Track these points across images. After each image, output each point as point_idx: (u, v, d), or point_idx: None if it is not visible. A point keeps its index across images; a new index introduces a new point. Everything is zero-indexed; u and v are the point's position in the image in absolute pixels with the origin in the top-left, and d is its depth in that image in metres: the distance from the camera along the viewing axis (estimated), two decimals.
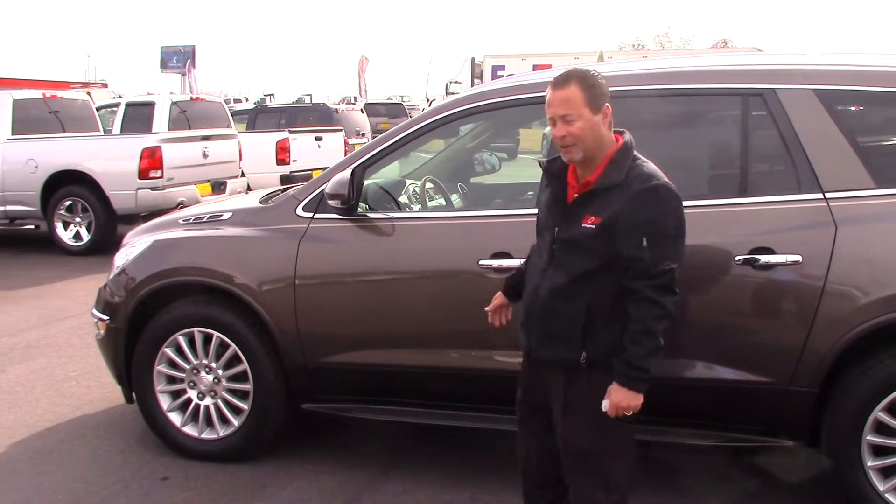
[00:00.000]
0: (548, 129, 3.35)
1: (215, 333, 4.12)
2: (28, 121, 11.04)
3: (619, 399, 2.66)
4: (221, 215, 4.28)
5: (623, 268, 2.66)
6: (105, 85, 35.93)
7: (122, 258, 4.39)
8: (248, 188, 12.38)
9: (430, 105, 38.27)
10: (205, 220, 4.32)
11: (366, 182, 4.04)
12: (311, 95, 39.53)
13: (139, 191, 10.14)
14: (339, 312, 3.92)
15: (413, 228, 3.94)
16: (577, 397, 2.78)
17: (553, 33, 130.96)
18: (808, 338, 3.30)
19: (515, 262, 3.45)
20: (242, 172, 12.24)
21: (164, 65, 43.98)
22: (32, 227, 11.35)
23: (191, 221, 4.38)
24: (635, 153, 2.76)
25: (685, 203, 3.38)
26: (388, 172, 4.79)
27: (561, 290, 2.74)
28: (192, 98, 13.60)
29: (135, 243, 4.42)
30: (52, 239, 10.54)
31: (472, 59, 40.91)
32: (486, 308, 3.19)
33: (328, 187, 3.80)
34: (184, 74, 36.98)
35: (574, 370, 2.75)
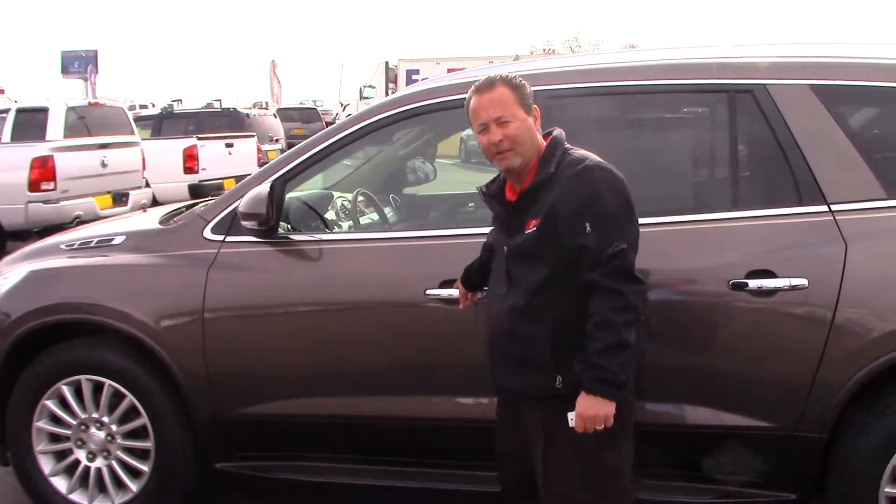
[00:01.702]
0: (466, 132, 2.92)
1: (107, 381, 3.43)
2: None
3: (584, 408, 2.37)
4: (112, 239, 3.57)
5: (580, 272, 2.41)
6: (1, 91, 34.11)
7: None
8: (154, 199, 11.51)
9: (343, 110, 37.68)
10: (92, 244, 3.61)
11: (287, 197, 3.42)
12: (220, 101, 38.27)
13: (30, 204, 9.20)
14: (258, 355, 3.28)
15: (346, 252, 3.31)
16: (556, 431, 2.45)
17: (464, 38, 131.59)
18: (816, 375, 2.82)
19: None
20: (147, 182, 11.35)
21: (65, 70, 42.50)
22: None
23: (75, 247, 3.66)
24: (567, 145, 2.57)
25: (663, 220, 2.92)
26: (311, 185, 4.19)
27: (521, 309, 2.49)
28: (90, 103, 12.54)
29: (7, 274, 3.67)
30: None
31: (386, 63, 40.28)
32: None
33: (242, 205, 3.16)
34: (86, 80, 35.64)
35: (549, 399, 2.47)
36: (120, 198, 10.33)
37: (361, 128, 3.34)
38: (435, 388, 3.14)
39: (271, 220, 3.16)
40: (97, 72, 38.30)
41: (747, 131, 3.02)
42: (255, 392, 3.30)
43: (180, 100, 51.13)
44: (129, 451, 3.49)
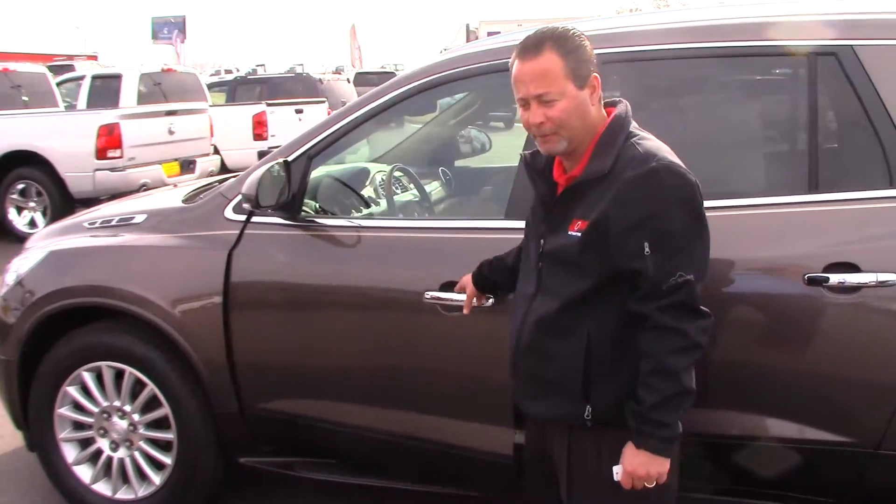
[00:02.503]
0: None
1: (128, 369, 3.24)
2: None
3: (634, 466, 1.98)
4: (133, 218, 3.36)
5: (628, 287, 2.00)
6: (95, 57, 34.88)
7: (13, 272, 3.49)
8: (224, 166, 11.47)
9: None
10: (113, 223, 3.40)
11: (317, 173, 3.15)
12: (302, 65, 38.37)
13: (97, 172, 9.20)
14: (281, 348, 3.03)
15: (371, 240, 3.00)
16: (584, 467, 2.07)
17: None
18: None
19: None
20: (216, 149, 11.30)
21: (155, 36, 43.40)
22: None
23: (97, 225, 3.46)
24: (632, 129, 2.06)
25: (728, 203, 2.54)
26: (359, 157, 3.93)
27: (551, 322, 2.07)
28: (163, 69, 12.57)
29: (28, 253, 3.51)
30: (5, 225, 9.62)
31: (467, 26, 39.87)
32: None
33: (245, 187, 2.89)
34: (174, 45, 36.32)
35: (578, 429, 2.08)
36: (187, 165, 10.28)
37: (391, 98, 3.02)
38: (475, 411, 2.84)
39: (281, 199, 2.87)
40: (185, 38, 38.95)
41: (830, 101, 2.60)
42: (278, 388, 3.06)
43: (263, 65, 51.61)
44: (152, 442, 3.31)
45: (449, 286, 2.68)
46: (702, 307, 1.96)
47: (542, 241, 2.12)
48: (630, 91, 2.41)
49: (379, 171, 3.68)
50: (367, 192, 3.60)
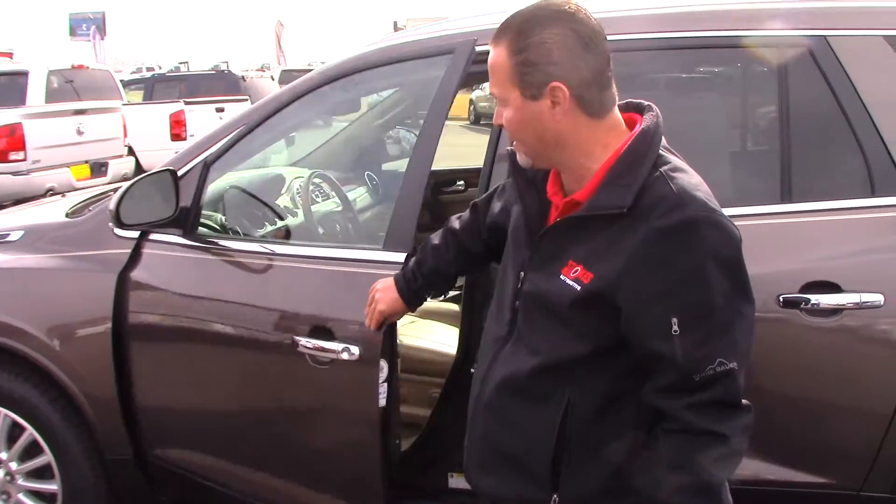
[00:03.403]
0: (475, 93, 2.13)
1: (2, 411, 2.79)
2: None
3: None
4: (8, 235, 2.90)
5: (640, 364, 1.51)
6: (10, 55, 33.48)
7: None
8: (139, 168, 10.86)
9: None
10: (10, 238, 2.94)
11: (224, 181, 2.76)
12: (227, 63, 37.44)
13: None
14: (172, 385, 2.64)
15: (255, 263, 2.58)
16: None
17: None
18: (892, 419, 2.14)
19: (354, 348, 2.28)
20: (130, 150, 10.69)
21: (73, 32, 42.03)
22: None
23: None
24: (662, 152, 1.54)
25: None
26: (275, 159, 3.54)
27: (522, 382, 1.60)
28: (73, 66, 11.86)
29: None
30: None
31: (395, 23, 39.50)
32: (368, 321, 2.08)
33: (112, 200, 2.49)
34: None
35: None
36: (99, 168, 9.66)
37: (301, 93, 2.64)
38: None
39: (166, 217, 2.50)
40: (104, 35, 37.87)
41: (802, 98, 2.30)
42: (173, 433, 2.66)
43: (186, 62, 50.33)
44: (34, 495, 2.86)
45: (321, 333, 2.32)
46: (743, 401, 1.49)
47: (521, 273, 1.63)
48: None
49: (297, 178, 3.29)
50: (283, 200, 3.21)
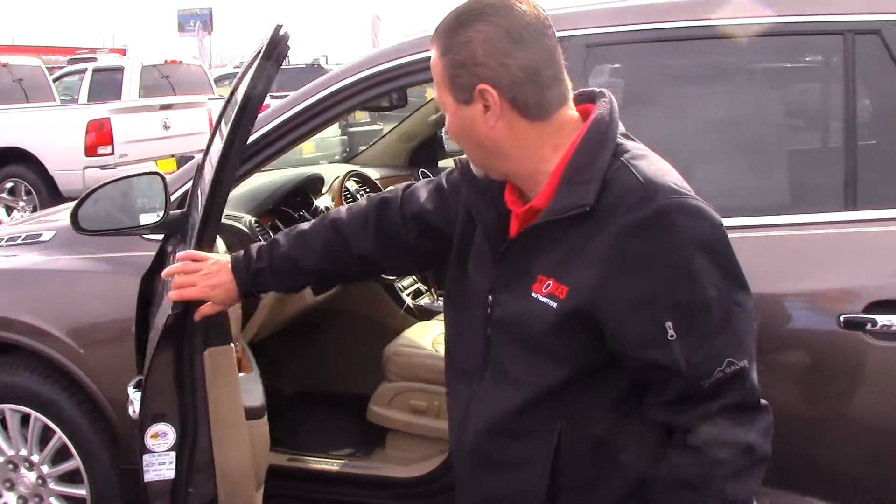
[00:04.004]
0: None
1: (33, 413, 2.75)
2: None
3: None
4: (41, 235, 2.87)
5: (638, 379, 1.38)
6: (123, 51, 34.75)
7: None
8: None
9: None
10: (19, 241, 2.91)
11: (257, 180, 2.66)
12: (326, 57, 37.91)
13: (87, 170, 8.78)
14: None
15: None
16: None
17: None
18: None
19: None
20: None
21: (181, 28, 43.44)
22: None
23: (3, 244, 2.97)
24: (620, 140, 1.40)
25: (737, 223, 1.93)
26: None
27: (506, 422, 1.44)
28: (166, 62, 12.17)
29: None
30: None
31: (376, 17, 39.27)
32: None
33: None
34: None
35: None
36: (185, 161, 9.81)
37: (341, 89, 2.49)
38: None
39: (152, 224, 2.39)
40: (211, 30, 39.05)
41: (871, 92, 2.05)
42: None
43: (287, 57, 51.30)
44: (64, 499, 2.82)
45: None
46: (761, 400, 1.36)
47: (489, 297, 1.47)
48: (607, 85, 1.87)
49: (336, 177, 3.17)
50: (324, 201, 3.09)
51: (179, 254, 1.91)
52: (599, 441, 1.40)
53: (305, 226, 1.82)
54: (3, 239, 2.99)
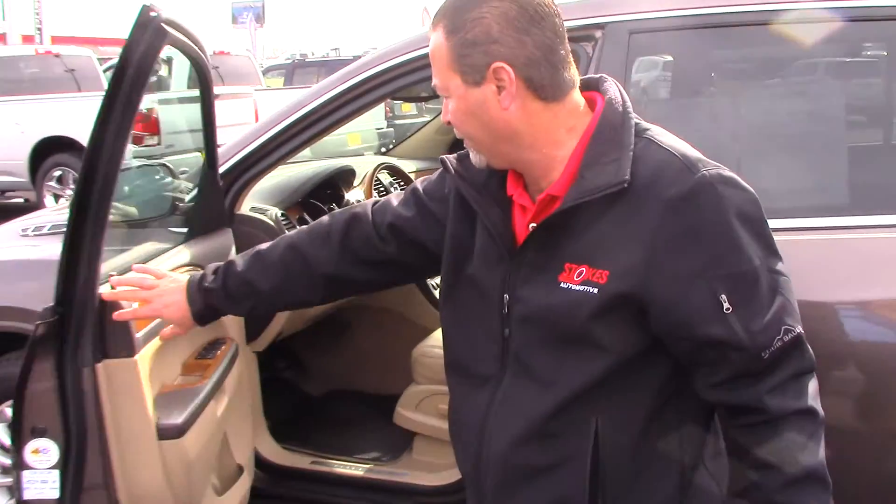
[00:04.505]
0: None
1: None
2: (20, 80, 9.87)
3: None
4: (44, 227, 2.82)
5: (688, 362, 1.32)
6: None
7: None
8: None
9: None
10: (45, 231, 2.85)
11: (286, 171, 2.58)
12: (375, 48, 38.02)
13: (134, 160, 8.82)
14: None
15: None
16: None
17: None
18: None
19: None
20: None
21: (234, 20, 43.95)
22: (22, 200, 10.17)
23: (29, 233, 2.92)
24: (636, 120, 1.34)
25: (805, 224, 1.83)
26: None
27: (541, 425, 1.35)
28: (214, 52, 12.19)
29: None
30: None
31: (425, 9, 39.15)
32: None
33: None
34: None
35: None
36: None
37: (368, 78, 2.40)
38: None
39: None
40: (263, 22, 39.56)
41: None
42: None
43: (337, 49, 51.63)
44: None
45: None
46: (813, 365, 1.32)
47: (505, 296, 1.38)
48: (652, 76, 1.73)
49: (368, 171, 3.06)
50: (356, 194, 2.98)
51: (135, 266, 1.81)
52: (639, 433, 1.34)
53: (264, 246, 1.73)
54: (29, 228, 2.94)
